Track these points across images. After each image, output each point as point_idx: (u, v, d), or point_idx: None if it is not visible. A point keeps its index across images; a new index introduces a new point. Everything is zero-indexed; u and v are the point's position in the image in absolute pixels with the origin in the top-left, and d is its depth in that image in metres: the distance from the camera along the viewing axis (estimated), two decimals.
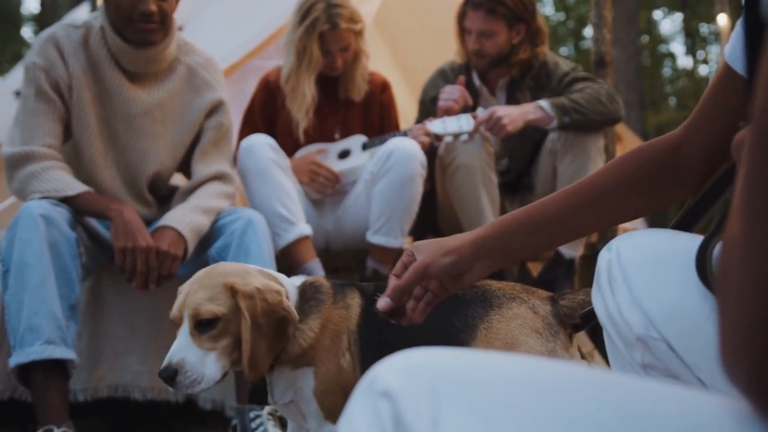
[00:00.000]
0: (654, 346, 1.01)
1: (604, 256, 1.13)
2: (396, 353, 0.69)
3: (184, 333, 1.44)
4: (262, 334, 1.44)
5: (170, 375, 1.41)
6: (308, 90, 2.87)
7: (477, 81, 3.23)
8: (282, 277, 1.60)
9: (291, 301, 1.54)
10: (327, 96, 3.01)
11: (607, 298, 1.11)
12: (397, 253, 2.83)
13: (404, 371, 0.65)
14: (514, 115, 2.85)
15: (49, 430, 1.94)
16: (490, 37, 3.06)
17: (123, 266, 2.11)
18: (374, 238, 2.76)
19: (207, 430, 2.63)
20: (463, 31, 3.16)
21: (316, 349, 1.54)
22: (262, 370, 1.46)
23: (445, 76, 3.27)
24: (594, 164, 2.99)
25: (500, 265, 1.21)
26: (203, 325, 1.43)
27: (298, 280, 1.63)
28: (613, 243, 1.12)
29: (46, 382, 1.97)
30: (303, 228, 2.64)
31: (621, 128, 4.71)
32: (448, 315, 1.53)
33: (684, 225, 1.14)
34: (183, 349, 1.43)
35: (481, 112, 2.89)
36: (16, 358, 1.95)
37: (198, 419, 2.67)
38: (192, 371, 1.41)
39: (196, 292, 1.45)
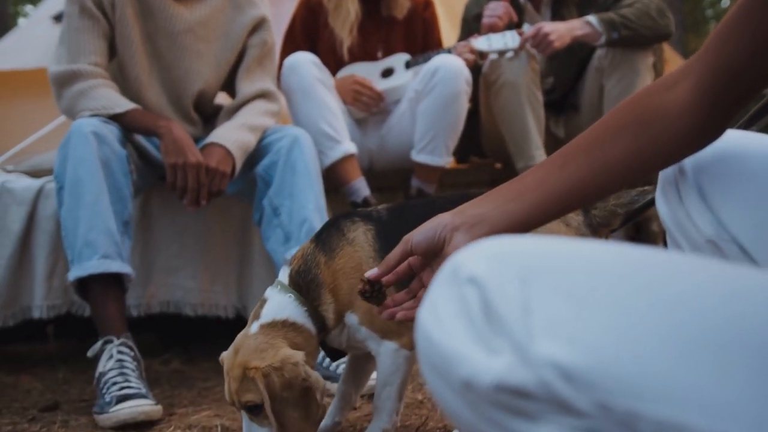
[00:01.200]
0: (725, 248, 0.99)
1: None
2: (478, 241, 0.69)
3: (245, 419, 1.50)
4: (291, 406, 1.46)
5: None
6: (352, 6, 2.83)
7: None
8: (282, 308, 1.55)
9: (305, 318, 1.54)
10: (369, 13, 2.95)
11: (673, 203, 1.09)
12: (442, 171, 2.82)
13: (490, 258, 0.65)
14: (561, 31, 2.78)
15: (109, 340, 2.00)
16: None
17: (174, 183, 2.13)
18: (419, 156, 2.75)
19: None
20: None
21: (342, 300, 1.57)
22: None
23: None
24: (643, 81, 2.91)
25: (483, 236, 1.07)
26: (252, 410, 1.47)
27: (284, 279, 1.59)
28: None
29: (105, 296, 2.03)
30: (348, 146, 2.63)
31: (667, 49, 4.57)
32: None
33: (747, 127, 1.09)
34: None
35: (527, 29, 2.82)
36: (75, 272, 2.01)
37: None
38: None
39: (232, 384, 1.48)
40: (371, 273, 1.24)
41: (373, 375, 1.79)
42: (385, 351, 1.58)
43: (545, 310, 0.60)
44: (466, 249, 0.68)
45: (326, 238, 1.59)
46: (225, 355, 1.54)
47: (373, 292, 1.25)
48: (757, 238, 0.96)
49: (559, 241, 0.67)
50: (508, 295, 0.62)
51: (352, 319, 1.58)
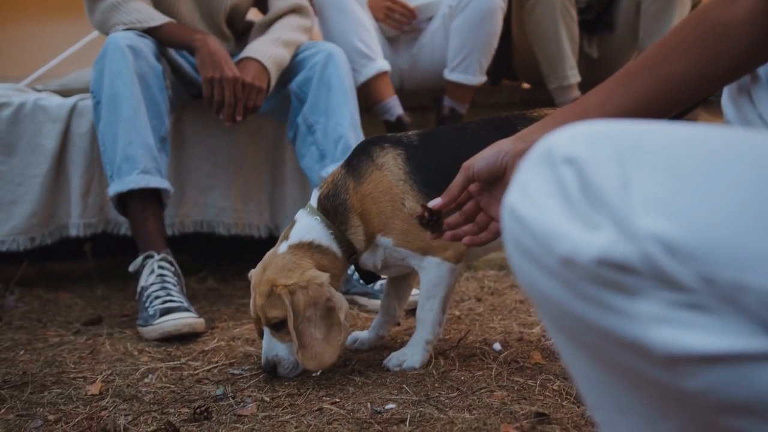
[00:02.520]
0: None
1: None
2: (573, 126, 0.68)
3: (267, 334, 1.56)
4: (314, 326, 1.50)
5: (271, 369, 1.56)
6: None
7: None
8: (308, 230, 1.59)
9: (330, 240, 1.58)
10: None
11: (743, 106, 1.06)
12: (474, 90, 2.78)
13: (586, 139, 0.64)
14: None
15: (149, 255, 2.02)
16: None
17: (211, 97, 2.11)
18: (452, 75, 2.70)
19: None
20: None
21: (372, 224, 1.58)
22: (324, 359, 1.51)
23: None
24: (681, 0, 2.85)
25: None
26: (276, 326, 1.53)
27: (313, 203, 1.62)
28: None
29: (144, 211, 2.04)
30: (382, 63, 2.59)
31: None
32: None
33: None
34: (272, 347, 1.56)
35: None
36: (115, 187, 2.01)
37: None
38: (286, 362, 1.56)
39: (258, 300, 1.53)
40: (434, 203, 1.26)
41: (415, 291, 1.81)
42: (429, 265, 1.59)
43: (645, 186, 0.59)
44: (558, 133, 0.66)
45: (356, 163, 1.61)
46: (253, 272, 1.59)
47: (431, 220, 1.28)
48: None
49: (650, 123, 0.66)
50: (606, 173, 0.61)
51: (385, 241, 1.59)
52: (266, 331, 1.56)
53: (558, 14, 2.82)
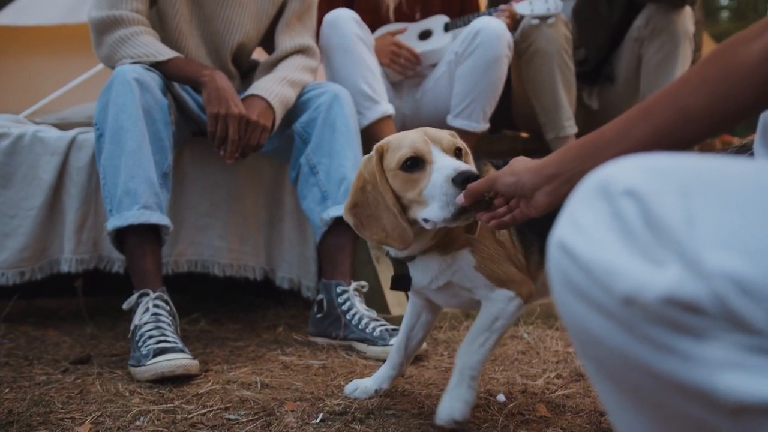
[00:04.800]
0: None
1: None
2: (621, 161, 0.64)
3: (443, 155, 1.43)
4: None
5: (475, 175, 1.39)
6: None
7: None
8: None
9: None
10: None
11: None
12: (477, 138, 2.77)
13: (646, 171, 0.61)
14: None
15: (145, 293, 1.96)
16: None
17: (214, 132, 2.07)
18: (455, 121, 2.69)
19: (283, 309, 2.65)
20: None
21: (462, 234, 1.51)
22: None
23: None
24: (683, 51, 2.87)
25: (565, 194, 1.14)
26: (459, 155, 1.47)
27: None
28: None
29: (142, 248, 1.98)
30: (386, 107, 2.57)
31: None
32: None
33: None
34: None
35: None
36: (114, 222, 1.96)
37: (275, 297, 2.69)
38: None
39: (441, 134, 1.47)
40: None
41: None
42: (498, 297, 1.51)
43: (712, 221, 0.56)
44: (613, 165, 0.63)
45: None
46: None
47: (477, 206, 1.37)
48: None
49: (708, 158, 0.63)
50: (671, 206, 0.57)
51: (467, 259, 1.51)
52: (442, 155, 1.42)
53: (555, 65, 2.84)
